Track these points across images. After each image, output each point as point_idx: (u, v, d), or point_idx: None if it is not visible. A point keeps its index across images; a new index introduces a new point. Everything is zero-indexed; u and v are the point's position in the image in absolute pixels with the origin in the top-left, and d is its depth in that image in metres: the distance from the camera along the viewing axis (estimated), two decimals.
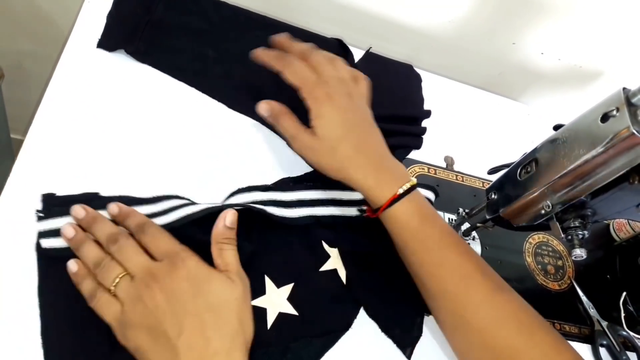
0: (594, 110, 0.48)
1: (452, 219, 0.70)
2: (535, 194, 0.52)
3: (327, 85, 0.53)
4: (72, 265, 0.44)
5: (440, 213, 0.71)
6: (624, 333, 0.70)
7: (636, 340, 0.70)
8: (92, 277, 0.43)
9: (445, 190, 0.73)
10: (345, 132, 0.52)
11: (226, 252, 0.46)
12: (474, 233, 0.69)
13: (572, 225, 0.52)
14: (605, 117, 0.46)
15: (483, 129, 0.86)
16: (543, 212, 0.52)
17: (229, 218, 0.47)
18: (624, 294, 0.74)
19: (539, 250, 0.75)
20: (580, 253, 0.51)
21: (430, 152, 0.76)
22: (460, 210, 0.68)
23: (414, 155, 0.75)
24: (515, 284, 0.66)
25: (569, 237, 0.52)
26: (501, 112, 0.90)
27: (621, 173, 0.45)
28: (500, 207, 0.57)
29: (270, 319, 0.50)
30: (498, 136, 0.85)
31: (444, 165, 0.77)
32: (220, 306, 0.43)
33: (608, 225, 0.83)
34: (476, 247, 0.70)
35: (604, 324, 0.71)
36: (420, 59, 0.87)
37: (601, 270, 0.78)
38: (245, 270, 0.47)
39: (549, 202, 0.52)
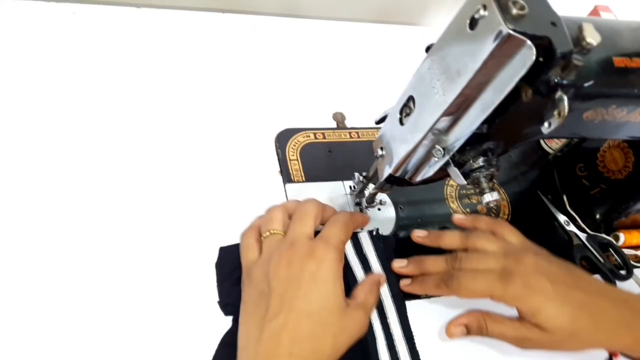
0: (459, 15, 0.36)
1: (352, 187, 0.58)
2: (421, 139, 0.41)
3: (513, 276, 0.44)
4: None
5: (338, 182, 0.59)
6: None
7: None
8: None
9: (341, 154, 0.62)
10: (571, 310, 0.43)
11: (372, 295, 0.47)
12: (379, 196, 0.57)
13: (475, 166, 0.41)
14: (473, 22, 0.34)
15: (377, 69, 0.74)
16: (436, 159, 0.41)
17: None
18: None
19: (464, 192, 0.65)
20: (490, 198, 0.40)
21: (314, 114, 0.64)
22: (357, 175, 0.56)
23: (294, 123, 0.62)
24: None
25: (475, 181, 0.41)
26: (398, 43, 0.78)
27: (510, 89, 0.34)
28: (389, 164, 0.46)
29: None
30: (396, 73, 0.73)
31: (334, 124, 0.64)
32: (323, 322, 0.41)
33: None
34: (389, 209, 0.59)
35: (583, 236, 0.65)
36: (301, 6, 0.74)
37: (540, 189, 0.69)
38: None
39: (438, 147, 0.40)
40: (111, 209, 0.51)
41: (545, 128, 0.36)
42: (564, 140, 0.71)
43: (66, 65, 0.61)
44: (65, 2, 0.66)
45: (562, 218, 0.66)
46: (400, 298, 0.50)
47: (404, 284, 0.50)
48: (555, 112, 0.34)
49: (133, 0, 0.68)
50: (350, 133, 0.64)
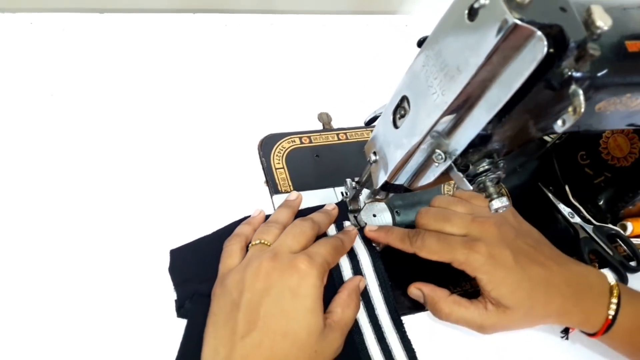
0: (455, 4, 0.32)
1: (344, 193, 0.54)
2: (419, 144, 0.37)
3: (478, 244, 0.44)
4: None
5: (329, 190, 0.55)
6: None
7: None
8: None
9: (329, 158, 0.58)
10: (530, 285, 0.44)
11: (349, 309, 0.43)
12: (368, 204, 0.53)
13: (480, 170, 0.37)
14: (472, 12, 0.30)
15: (361, 62, 0.70)
16: (437, 164, 0.37)
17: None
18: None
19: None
20: (499, 204, 0.36)
21: (298, 117, 0.60)
22: (348, 181, 0.52)
23: (277, 127, 0.58)
24: None
25: (481, 186, 0.37)
26: (380, 34, 0.74)
27: (519, 86, 0.30)
28: (384, 171, 0.42)
29: None
30: (382, 66, 0.69)
31: (319, 126, 0.60)
32: (300, 344, 0.38)
33: None
34: (385, 215, 0.55)
35: (589, 227, 0.62)
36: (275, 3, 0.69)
37: (541, 181, 0.66)
38: None
39: (439, 151, 0.36)
40: (92, 214, 0.48)
41: (559, 126, 0.32)
42: None
43: (30, 75, 0.57)
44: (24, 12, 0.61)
45: (565, 210, 0.63)
46: (389, 290, 0.48)
47: (369, 229, 0.49)
48: (570, 109, 0.30)
49: (96, 5, 0.63)
50: (338, 134, 0.60)
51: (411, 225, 0.55)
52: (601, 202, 0.63)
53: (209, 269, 0.46)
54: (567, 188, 0.65)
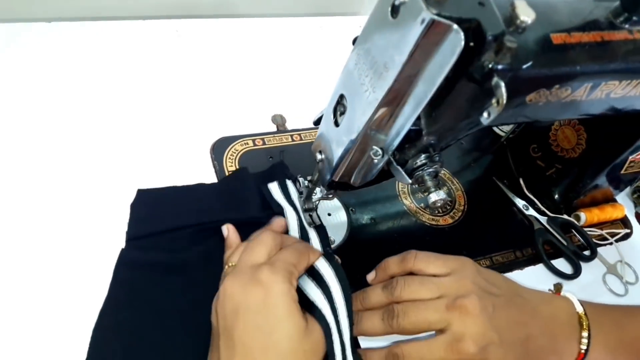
0: (380, 2, 0.33)
1: (299, 192, 0.54)
2: (357, 141, 0.37)
3: (465, 344, 0.40)
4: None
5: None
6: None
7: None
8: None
9: (284, 160, 0.58)
10: (514, 355, 0.42)
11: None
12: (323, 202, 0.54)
13: (418, 164, 0.38)
14: (394, 9, 0.31)
15: (316, 65, 0.70)
16: (376, 160, 0.38)
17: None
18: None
19: (415, 186, 0.61)
20: (436, 197, 0.37)
21: (252, 120, 0.60)
22: (301, 180, 0.52)
23: (230, 130, 0.58)
24: (404, 238, 0.54)
25: (419, 180, 0.38)
26: (336, 36, 0.75)
27: (441, 80, 0.31)
28: (329, 169, 0.42)
29: None
30: (337, 68, 0.69)
31: (273, 128, 0.61)
32: (285, 352, 0.37)
33: None
34: (340, 213, 0.56)
35: (544, 219, 0.63)
36: (229, 4, 0.69)
37: (495, 175, 0.67)
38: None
39: (376, 148, 0.37)
40: (34, 218, 0.48)
41: (485, 118, 0.32)
42: None
43: None
44: None
45: (520, 203, 0.64)
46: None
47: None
48: (494, 101, 0.31)
49: (44, 15, 0.62)
50: (292, 136, 0.61)
51: (367, 224, 0.56)
52: (555, 194, 0.64)
53: (166, 219, 0.49)
54: (521, 181, 0.66)
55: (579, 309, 0.46)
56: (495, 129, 0.71)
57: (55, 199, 0.50)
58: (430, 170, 0.38)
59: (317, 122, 0.48)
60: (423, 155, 0.38)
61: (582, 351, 0.44)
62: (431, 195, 0.37)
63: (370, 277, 0.48)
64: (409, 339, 0.42)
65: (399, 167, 0.38)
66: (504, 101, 0.31)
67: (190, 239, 0.49)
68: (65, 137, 0.55)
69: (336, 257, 0.47)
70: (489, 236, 0.60)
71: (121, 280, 0.45)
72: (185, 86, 0.63)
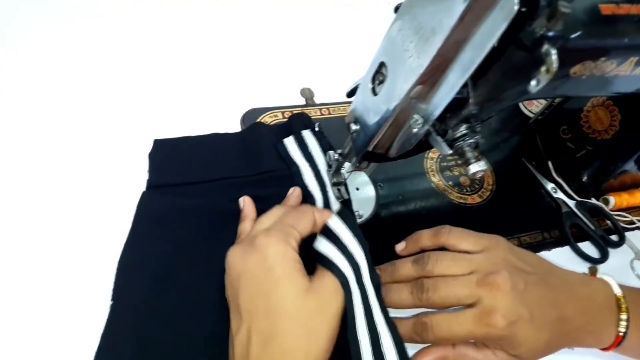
0: None
1: (328, 166, 0.54)
2: (397, 109, 0.37)
3: (494, 317, 0.39)
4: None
5: None
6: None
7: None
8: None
9: None
10: (549, 335, 0.41)
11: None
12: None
13: (458, 134, 0.37)
14: None
15: (342, 36, 0.69)
16: (415, 130, 0.37)
17: None
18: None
19: (444, 164, 0.61)
20: (477, 168, 0.36)
21: (280, 92, 0.60)
22: (331, 153, 0.52)
23: (259, 102, 0.58)
24: (432, 215, 0.54)
25: (459, 151, 0.38)
26: (361, 5, 0.74)
27: (491, 46, 0.30)
28: (364, 140, 0.42)
29: None
30: (364, 39, 0.69)
31: (302, 101, 0.60)
32: (289, 312, 0.36)
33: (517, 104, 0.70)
34: (368, 188, 0.55)
35: (572, 202, 0.62)
36: None
37: (524, 156, 0.66)
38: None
39: (416, 116, 0.36)
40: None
41: (533, 86, 0.32)
42: (544, 103, 0.68)
43: None
44: None
45: (549, 185, 0.64)
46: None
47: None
48: (543, 68, 0.31)
49: None
50: (320, 109, 0.60)
51: (395, 200, 0.55)
52: (584, 177, 0.64)
53: (184, 171, 0.50)
54: (549, 163, 0.65)
55: (618, 291, 0.45)
56: (524, 110, 0.70)
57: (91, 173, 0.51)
58: (471, 141, 0.37)
59: (351, 94, 0.48)
60: (464, 126, 0.37)
61: (621, 334, 0.43)
62: (471, 166, 0.37)
63: (400, 247, 0.48)
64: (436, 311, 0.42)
65: (438, 138, 0.37)
66: (555, 69, 0.30)
67: (207, 194, 0.50)
68: (98, 104, 0.55)
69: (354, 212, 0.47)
70: (517, 217, 0.60)
71: (142, 217, 0.46)
72: (219, 55, 0.63)
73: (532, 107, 0.69)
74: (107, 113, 0.55)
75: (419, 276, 0.44)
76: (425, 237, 0.46)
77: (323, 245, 0.42)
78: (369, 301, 0.41)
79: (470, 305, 0.41)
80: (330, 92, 0.61)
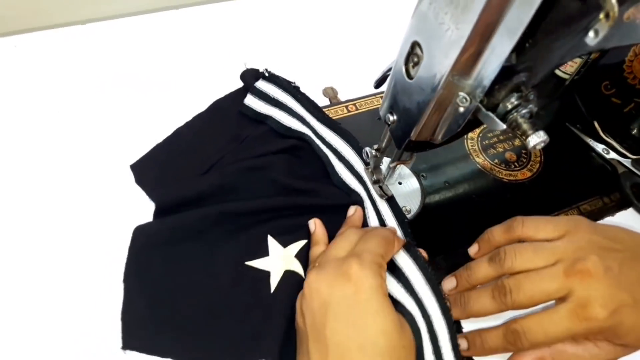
0: None
1: (366, 163, 0.51)
2: (439, 90, 0.34)
3: (592, 309, 0.35)
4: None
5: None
6: None
7: None
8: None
9: None
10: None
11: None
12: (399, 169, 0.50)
13: (510, 106, 0.34)
14: None
15: (359, 28, 0.67)
16: (462, 109, 0.34)
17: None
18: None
19: (486, 142, 0.58)
20: (537, 140, 0.33)
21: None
22: (367, 150, 0.49)
23: None
24: (483, 198, 0.50)
25: (513, 124, 0.34)
26: (383, 4, 0.71)
27: (539, 3, 0.27)
28: (405, 129, 0.39)
29: (274, 282, 0.43)
30: (382, 27, 0.66)
31: (326, 101, 0.57)
32: (383, 350, 0.34)
33: None
34: (411, 181, 0.52)
35: (627, 161, 0.58)
36: None
37: (568, 120, 0.62)
38: (245, 230, 0.46)
39: (462, 94, 0.33)
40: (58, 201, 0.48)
41: (592, 38, 0.28)
42: (578, 61, 0.64)
43: None
44: None
45: (599, 147, 0.60)
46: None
47: (462, 347, 0.40)
48: (602, 15, 0.27)
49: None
50: (347, 107, 0.57)
51: (441, 188, 0.52)
52: (634, 132, 0.59)
53: (179, 169, 0.49)
54: (595, 124, 0.61)
55: None
56: (557, 71, 0.66)
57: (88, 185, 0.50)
58: (525, 111, 0.34)
59: (380, 83, 0.45)
60: (515, 96, 0.34)
61: None
62: (530, 138, 0.33)
63: (473, 250, 0.44)
64: (523, 313, 0.38)
65: (489, 113, 0.34)
66: (616, 13, 0.27)
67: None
68: (99, 121, 0.55)
69: (420, 250, 0.43)
70: (572, 185, 0.56)
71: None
72: (239, 59, 0.61)
73: (567, 68, 0.65)
74: (105, 123, 0.55)
75: (498, 275, 0.40)
76: (497, 234, 0.42)
77: (392, 286, 0.41)
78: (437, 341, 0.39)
79: (561, 300, 0.37)
80: (354, 88, 0.58)
